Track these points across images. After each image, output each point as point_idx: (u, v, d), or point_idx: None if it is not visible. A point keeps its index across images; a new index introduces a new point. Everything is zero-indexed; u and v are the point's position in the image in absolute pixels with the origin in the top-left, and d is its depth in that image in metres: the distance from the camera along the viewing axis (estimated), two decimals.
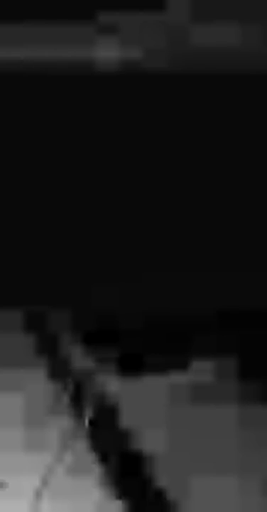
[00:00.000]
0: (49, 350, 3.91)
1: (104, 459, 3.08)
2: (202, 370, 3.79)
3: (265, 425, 3.35)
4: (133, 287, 4.34)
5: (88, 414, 3.36)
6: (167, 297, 4.24)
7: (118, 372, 3.69)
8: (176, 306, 4.23)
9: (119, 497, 2.85)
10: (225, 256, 4.30)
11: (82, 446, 3.18)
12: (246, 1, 4.35)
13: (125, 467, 3.05)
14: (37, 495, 2.86)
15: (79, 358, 3.81)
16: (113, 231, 4.41)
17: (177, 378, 3.72)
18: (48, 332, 4.05)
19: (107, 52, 4.32)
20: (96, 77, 4.32)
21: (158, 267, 4.34)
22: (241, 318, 4.03)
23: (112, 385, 3.59)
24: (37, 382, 3.66)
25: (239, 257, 4.29)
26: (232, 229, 4.33)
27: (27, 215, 4.40)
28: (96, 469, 3.02)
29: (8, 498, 2.86)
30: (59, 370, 3.74)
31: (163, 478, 2.95)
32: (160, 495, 2.86)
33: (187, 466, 3.04)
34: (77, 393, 3.53)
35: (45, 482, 2.92)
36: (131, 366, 3.80)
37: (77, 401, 3.47)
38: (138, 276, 4.36)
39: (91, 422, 3.31)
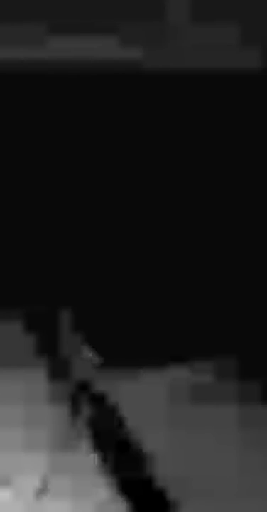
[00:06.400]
0: (49, 350, 3.91)
1: (103, 458, 3.08)
2: (202, 370, 3.79)
3: (265, 425, 3.35)
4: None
5: (87, 413, 3.36)
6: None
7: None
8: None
9: (119, 497, 2.84)
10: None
11: (82, 446, 3.18)
12: (246, 1, 4.35)
13: (125, 467, 3.04)
14: (37, 495, 2.85)
15: (80, 359, 3.81)
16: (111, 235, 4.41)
17: (177, 378, 3.71)
18: (48, 332, 4.05)
19: (107, 53, 4.31)
20: (97, 76, 4.32)
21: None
22: None
23: (112, 384, 3.59)
24: (37, 382, 3.66)
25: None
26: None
27: (28, 217, 4.40)
28: (96, 469, 3.02)
29: (8, 498, 2.85)
30: (59, 370, 3.74)
31: (163, 478, 2.95)
32: (160, 495, 2.86)
33: (187, 466, 3.04)
34: (77, 393, 3.52)
35: (45, 482, 2.92)
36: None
37: (77, 401, 3.47)
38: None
39: (91, 422, 3.31)
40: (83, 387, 3.56)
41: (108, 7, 4.32)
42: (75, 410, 3.41)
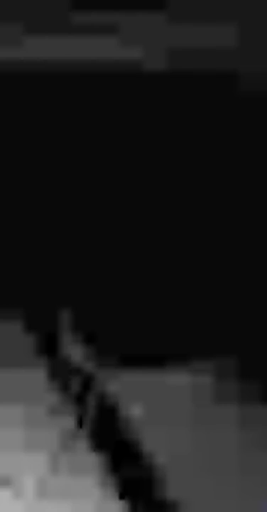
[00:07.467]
0: (49, 350, 3.92)
1: (103, 458, 3.09)
2: (202, 370, 3.79)
3: (265, 425, 3.35)
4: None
5: (91, 413, 3.36)
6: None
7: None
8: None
9: (119, 497, 2.85)
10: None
11: (82, 446, 3.18)
12: (245, 1, 4.35)
13: (125, 467, 3.05)
14: (37, 495, 2.86)
15: (80, 358, 3.81)
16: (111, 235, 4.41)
17: (177, 378, 3.72)
18: (48, 332, 4.06)
19: (107, 53, 4.32)
20: (96, 76, 4.32)
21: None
22: None
23: (113, 384, 3.59)
24: (37, 382, 3.66)
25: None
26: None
27: (28, 217, 4.40)
28: (96, 469, 3.02)
29: (8, 497, 2.86)
30: (59, 370, 3.74)
31: (163, 479, 2.95)
32: (160, 495, 2.86)
33: (188, 467, 3.04)
34: (80, 393, 3.53)
35: (45, 481, 2.92)
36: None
37: (80, 400, 3.47)
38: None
39: (91, 422, 3.31)
40: (84, 386, 3.56)
41: (108, 7, 4.32)
42: (76, 410, 3.41)
